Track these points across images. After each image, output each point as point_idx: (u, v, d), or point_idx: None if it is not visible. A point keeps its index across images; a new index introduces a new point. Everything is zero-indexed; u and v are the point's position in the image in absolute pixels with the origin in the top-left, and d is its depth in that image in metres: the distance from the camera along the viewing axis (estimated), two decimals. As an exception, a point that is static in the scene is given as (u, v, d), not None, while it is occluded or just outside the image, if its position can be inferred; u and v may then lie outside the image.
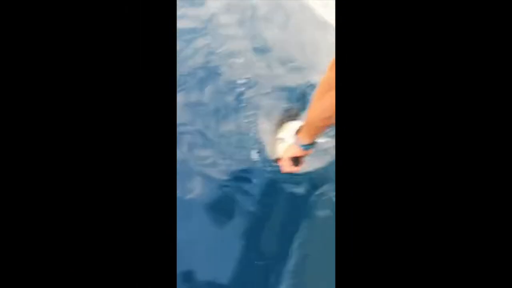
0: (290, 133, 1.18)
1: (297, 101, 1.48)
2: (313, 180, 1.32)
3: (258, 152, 1.31)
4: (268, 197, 1.29)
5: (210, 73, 1.50)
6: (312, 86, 1.49)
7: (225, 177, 1.28)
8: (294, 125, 1.24)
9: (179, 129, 1.30)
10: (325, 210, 1.27)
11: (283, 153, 1.19)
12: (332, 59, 0.88)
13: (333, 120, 0.94)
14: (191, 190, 1.24)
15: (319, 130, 1.04)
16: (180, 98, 1.39)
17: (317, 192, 1.31)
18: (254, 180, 1.29)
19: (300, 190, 1.31)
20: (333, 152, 1.35)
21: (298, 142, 1.12)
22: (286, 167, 1.19)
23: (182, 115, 1.35)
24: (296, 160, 1.17)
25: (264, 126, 1.36)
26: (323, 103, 0.93)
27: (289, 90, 1.51)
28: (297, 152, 1.14)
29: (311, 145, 1.11)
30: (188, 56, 1.53)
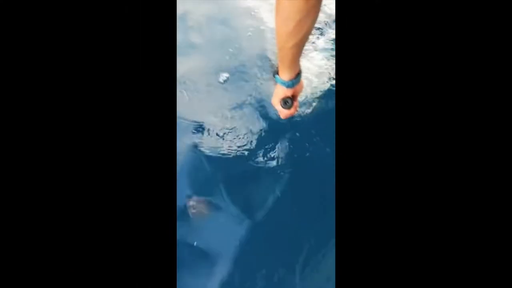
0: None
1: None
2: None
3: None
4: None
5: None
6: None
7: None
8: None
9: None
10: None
11: (272, 99, 1.05)
12: None
13: (298, 32, 0.78)
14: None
15: (290, 53, 0.86)
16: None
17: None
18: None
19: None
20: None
21: (280, 81, 0.97)
22: (281, 112, 1.04)
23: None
24: (286, 102, 1.03)
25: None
26: (278, 19, 0.77)
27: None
28: (283, 92, 1.00)
29: (295, 79, 0.95)
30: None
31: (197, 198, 1.09)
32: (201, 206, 1.10)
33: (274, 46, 1.57)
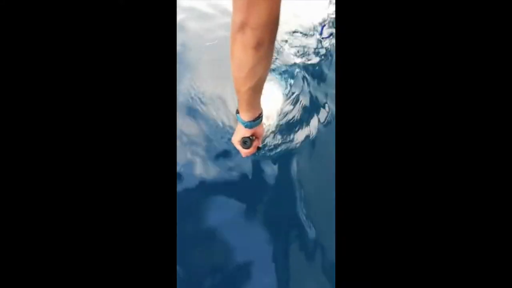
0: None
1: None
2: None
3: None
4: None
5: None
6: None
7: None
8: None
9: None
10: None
11: (233, 138, 1.08)
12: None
13: (251, 77, 0.82)
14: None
15: (246, 96, 0.89)
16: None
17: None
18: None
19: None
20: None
21: (240, 120, 1.00)
22: (241, 151, 1.09)
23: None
24: (245, 142, 1.05)
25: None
26: (233, 65, 0.80)
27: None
28: (243, 131, 1.03)
29: (253, 121, 0.99)
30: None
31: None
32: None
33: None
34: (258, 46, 0.73)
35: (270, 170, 1.38)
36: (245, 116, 0.97)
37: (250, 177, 1.36)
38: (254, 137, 1.05)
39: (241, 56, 0.77)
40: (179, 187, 1.29)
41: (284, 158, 1.39)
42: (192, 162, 1.36)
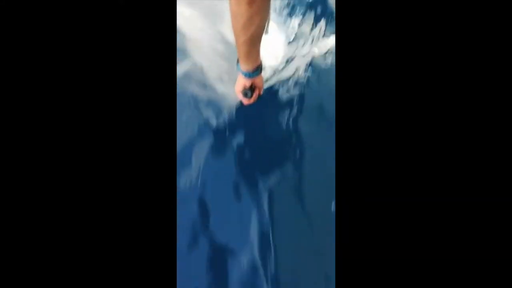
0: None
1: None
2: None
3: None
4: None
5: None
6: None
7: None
8: None
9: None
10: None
11: (235, 87, 1.13)
12: None
13: (246, 30, 0.87)
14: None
15: (243, 47, 0.94)
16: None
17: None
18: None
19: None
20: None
21: (240, 69, 1.05)
22: (244, 100, 1.14)
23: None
24: (246, 93, 1.11)
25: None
26: (231, 16, 0.85)
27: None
28: (243, 82, 1.08)
29: (252, 72, 1.04)
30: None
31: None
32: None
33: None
34: (250, 1, 0.79)
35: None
36: (244, 66, 1.02)
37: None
38: (254, 87, 1.11)
39: (236, 9, 0.83)
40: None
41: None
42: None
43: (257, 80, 1.10)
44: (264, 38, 0.97)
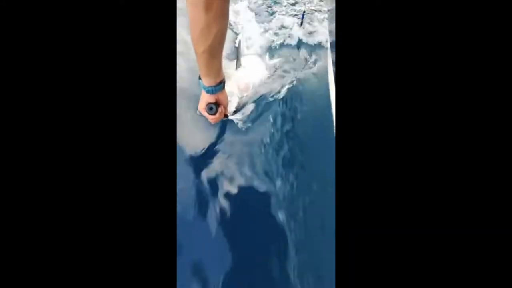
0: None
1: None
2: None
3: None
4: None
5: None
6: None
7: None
8: None
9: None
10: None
11: (199, 104, 1.10)
12: None
13: (204, 39, 0.85)
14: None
15: (203, 59, 0.92)
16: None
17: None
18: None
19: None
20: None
21: (202, 85, 1.03)
22: (209, 118, 1.10)
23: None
24: (210, 108, 1.07)
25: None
26: (190, 20, 0.84)
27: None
28: (207, 99, 1.06)
29: (215, 86, 1.01)
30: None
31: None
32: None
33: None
34: (207, 7, 0.77)
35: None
36: (206, 81, 1.01)
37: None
38: (218, 104, 1.08)
39: (193, 15, 0.81)
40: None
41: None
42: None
43: (221, 96, 1.07)
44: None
